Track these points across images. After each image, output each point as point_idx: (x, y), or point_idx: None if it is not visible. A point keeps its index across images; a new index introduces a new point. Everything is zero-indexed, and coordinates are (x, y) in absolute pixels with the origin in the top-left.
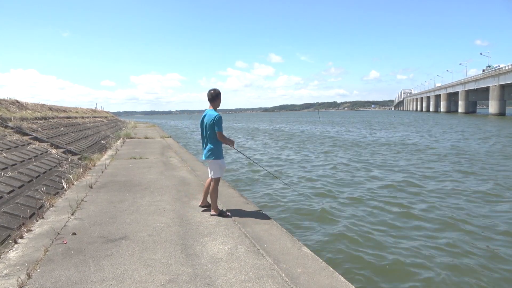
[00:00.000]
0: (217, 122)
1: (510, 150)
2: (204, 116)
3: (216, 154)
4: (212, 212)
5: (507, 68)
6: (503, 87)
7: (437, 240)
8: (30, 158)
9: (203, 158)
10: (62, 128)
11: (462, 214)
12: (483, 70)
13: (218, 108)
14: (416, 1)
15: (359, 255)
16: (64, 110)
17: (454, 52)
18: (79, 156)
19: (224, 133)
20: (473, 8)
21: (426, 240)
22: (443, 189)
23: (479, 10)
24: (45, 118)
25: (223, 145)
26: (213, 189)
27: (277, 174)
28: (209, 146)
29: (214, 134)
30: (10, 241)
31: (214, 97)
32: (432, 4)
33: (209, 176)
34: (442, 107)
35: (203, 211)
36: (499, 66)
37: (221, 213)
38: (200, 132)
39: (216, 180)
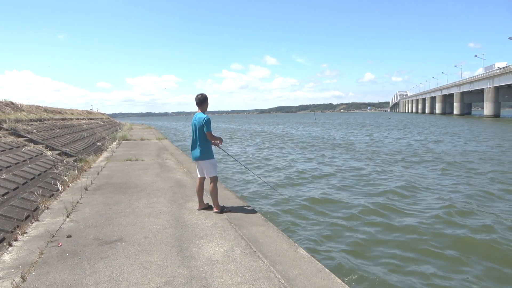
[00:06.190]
0: (206, 123)
1: None
2: (194, 119)
3: (207, 154)
4: (215, 210)
5: (501, 70)
6: (497, 89)
7: (446, 246)
8: (25, 160)
9: (196, 159)
10: (58, 130)
11: None
12: None
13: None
14: (410, 4)
15: (358, 256)
16: (60, 111)
17: (448, 55)
18: (74, 158)
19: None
20: (467, 11)
21: (426, 242)
22: None
23: (472, 13)
24: (40, 120)
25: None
26: (213, 188)
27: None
28: (200, 147)
29: (204, 136)
30: (5, 244)
31: (202, 101)
32: (426, 7)
33: (201, 176)
34: (438, 108)
35: (199, 209)
36: None
37: (222, 210)
38: (192, 135)
39: (214, 179)
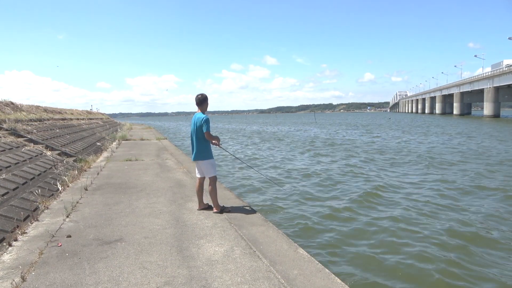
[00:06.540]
0: (205, 122)
1: None
2: (194, 119)
3: (206, 154)
4: (215, 210)
5: (501, 70)
6: (497, 89)
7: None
8: (25, 160)
9: (195, 159)
10: (57, 130)
11: None
12: None
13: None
14: (409, 4)
15: (356, 256)
16: (59, 111)
17: (447, 55)
18: (74, 158)
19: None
20: (466, 11)
21: (429, 241)
22: None
23: (472, 13)
24: (40, 120)
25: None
26: (212, 188)
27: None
28: (199, 147)
29: (203, 136)
30: (5, 244)
31: (202, 101)
32: (426, 7)
33: (201, 176)
34: (437, 109)
35: (199, 209)
36: None
37: (222, 210)
38: (191, 135)
39: (213, 179)
